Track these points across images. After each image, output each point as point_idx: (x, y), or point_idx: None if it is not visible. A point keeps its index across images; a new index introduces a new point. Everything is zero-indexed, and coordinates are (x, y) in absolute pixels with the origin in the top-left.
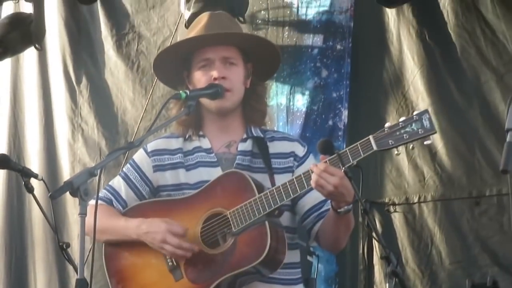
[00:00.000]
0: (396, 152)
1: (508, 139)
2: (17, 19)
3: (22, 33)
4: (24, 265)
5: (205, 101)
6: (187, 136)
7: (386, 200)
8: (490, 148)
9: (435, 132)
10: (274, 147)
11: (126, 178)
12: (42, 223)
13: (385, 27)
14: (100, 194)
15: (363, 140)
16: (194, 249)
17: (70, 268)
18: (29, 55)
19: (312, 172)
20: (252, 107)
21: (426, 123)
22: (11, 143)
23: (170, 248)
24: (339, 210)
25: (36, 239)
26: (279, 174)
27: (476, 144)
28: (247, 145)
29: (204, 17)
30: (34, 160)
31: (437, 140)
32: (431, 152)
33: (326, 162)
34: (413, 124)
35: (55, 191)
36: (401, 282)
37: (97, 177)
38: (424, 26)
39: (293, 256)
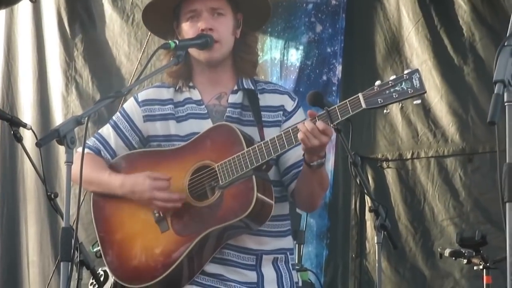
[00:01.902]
0: (385, 111)
1: (496, 90)
2: None
3: None
4: (16, 217)
5: (194, 52)
6: (177, 87)
7: (379, 156)
8: (484, 105)
9: (425, 92)
10: (265, 100)
11: (116, 127)
12: (34, 175)
13: None
14: (89, 142)
15: (352, 97)
16: (183, 198)
17: (61, 220)
18: (24, 7)
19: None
20: (243, 58)
21: (416, 82)
22: (4, 95)
23: (160, 203)
24: (311, 164)
25: (28, 191)
26: (269, 128)
27: (470, 101)
28: (237, 97)
29: None
30: (27, 112)
31: (431, 97)
32: (425, 108)
33: (314, 119)
34: (403, 83)
35: (41, 138)
36: (389, 235)
37: (84, 125)
38: None
39: (281, 209)
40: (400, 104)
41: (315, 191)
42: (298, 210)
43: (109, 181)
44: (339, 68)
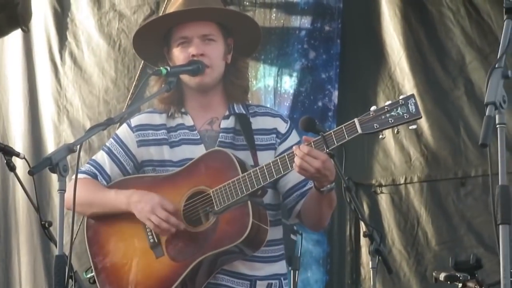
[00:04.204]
0: (381, 135)
1: (487, 112)
2: (3, 1)
3: (8, 15)
4: (8, 247)
5: (185, 77)
6: (169, 113)
7: (373, 182)
8: (475, 129)
9: (421, 117)
10: (257, 123)
11: (110, 153)
12: (26, 205)
13: (373, 7)
14: (83, 168)
15: (348, 123)
16: (180, 226)
17: (55, 249)
18: (14, 36)
19: (295, 154)
20: (233, 83)
21: (411, 107)
22: None
23: (156, 219)
24: (322, 189)
25: (20, 221)
26: (262, 151)
27: (461, 125)
28: (229, 122)
29: None
30: (18, 142)
31: (422, 121)
32: (417, 133)
33: (310, 144)
34: (399, 108)
35: (34, 166)
36: (384, 260)
37: (76, 153)
38: (410, 6)
39: (275, 233)
40: (396, 129)
41: (324, 212)
42: (292, 236)
43: (116, 196)
44: (335, 94)
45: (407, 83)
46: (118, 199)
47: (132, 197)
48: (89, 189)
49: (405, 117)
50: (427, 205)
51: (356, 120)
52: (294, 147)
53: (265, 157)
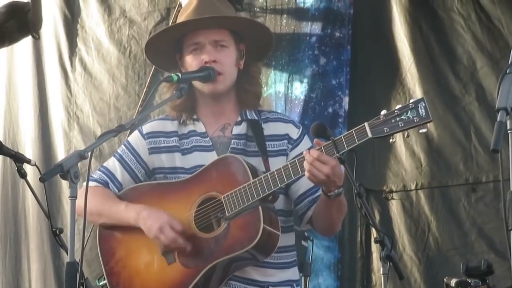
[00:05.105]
0: (391, 139)
1: (498, 118)
2: (14, 8)
3: (19, 22)
4: (18, 254)
5: (198, 84)
6: (181, 121)
7: (384, 188)
8: (486, 134)
9: (431, 121)
10: (268, 129)
11: (122, 160)
12: (36, 212)
13: (383, 13)
14: (95, 176)
15: (358, 127)
16: (187, 248)
17: (65, 256)
18: (24, 43)
19: (305, 159)
20: (246, 90)
21: (421, 111)
22: (6, 132)
23: (164, 239)
24: (329, 194)
25: (31, 227)
26: (274, 157)
27: (472, 130)
28: (241, 129)
29: (194, 0)
30: (28, 149)
31: (433, 127)
32: (428, 139)
33: (320, 149)
34: (409, 112)
35: (45, 173)
36: (395, 266)
37: (87, 160)
38: (420, 12)
39: (287, 239)
40: (406, 133)
41: (334, 217)
42: (303, 243)
43: (126, 209)
44: (345, 100)
45: (418, 89)
46: (127, 213)
47: (142, 213)
48: (98, 199)
49: (415, 120)
50: (438, 211)
51: (366, 124)
52: (304, 152)
53: (277, 163)
